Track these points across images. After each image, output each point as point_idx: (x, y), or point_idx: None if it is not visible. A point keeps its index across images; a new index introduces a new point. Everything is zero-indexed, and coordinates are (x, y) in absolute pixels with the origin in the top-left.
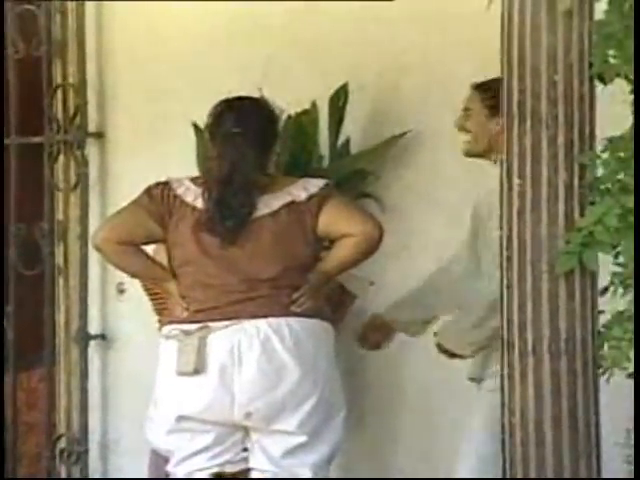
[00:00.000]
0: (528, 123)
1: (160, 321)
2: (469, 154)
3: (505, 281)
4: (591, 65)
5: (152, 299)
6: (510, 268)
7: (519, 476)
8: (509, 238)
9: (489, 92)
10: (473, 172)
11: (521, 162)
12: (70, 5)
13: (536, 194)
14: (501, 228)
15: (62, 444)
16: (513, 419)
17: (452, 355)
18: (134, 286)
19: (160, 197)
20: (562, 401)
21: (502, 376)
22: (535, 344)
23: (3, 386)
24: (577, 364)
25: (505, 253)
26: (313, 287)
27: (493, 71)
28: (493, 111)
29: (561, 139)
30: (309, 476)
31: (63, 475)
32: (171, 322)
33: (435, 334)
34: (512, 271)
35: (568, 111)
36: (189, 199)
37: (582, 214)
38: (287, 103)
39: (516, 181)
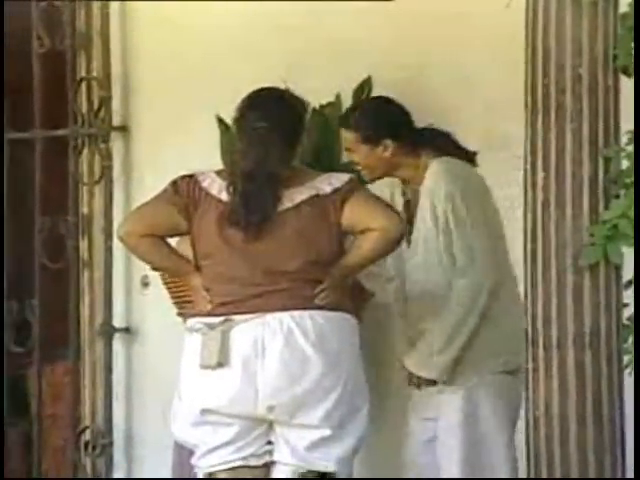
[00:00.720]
0: (552, 117)
1: (180, 314)
2: (373, 181)
3: (529, 275)
4: (616, 58)
5: (170, 291)
6: (534, 262)
7: (543, 470)
8: (533, 232)
9: (357, 126)
10: (493, 166)
11: (545, 156)
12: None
13: (560, 187)
14: (525, 221)
15: (87, 436)
16: (537, 413)
17: (426, 382)
18: (158, 279)
19: (186, 190)
20: (587, 395)
21: (526, 370)
22: (560, 338)
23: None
24: (602, 358)
25: (529, 246)
26: (336, 280)
27: (516, 66)
28: (373, 141)
29: (585, 132)
30: (333, 470)
31: (88, 467)
32: (195, 315)
33: (403, 367)
34: (536, 265)
35: (592, 104)
36: (214, 192)
37: (607, 207)
38: (311, 97)
39: (540, 175)
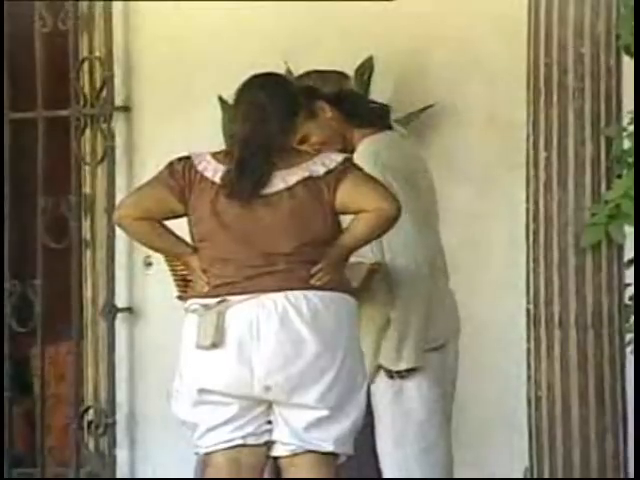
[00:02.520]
0: (555, 96)
1: (180, 297)
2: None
3: (531, 254)
4: (618, 37)
5: (173, 273)
6: (536, 242)
7: (545, 450)
8: (535, 212)
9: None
10: (499, 145)
11: (547, 136)
12: None
13: (562, 167)
14: (527, 201)
15: (90, 416)
16: (539, 392)
17: (398, 374)
18: (161, 259)
19: (182, 173)
20: (588, 374)
21: (528, 349)
22: (562, 318)
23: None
24: (604, 337)
25: (532, 226)
26: (332, 261)
27: (519, 46)
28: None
29: (588, 112)
30: (332, 449)
31: (91, 446)
32: (192, 296)
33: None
34: (538, 244)
35: (595, 84)
36: (209, 174)
37: (609, 187)
38: None
39: (542, 154)
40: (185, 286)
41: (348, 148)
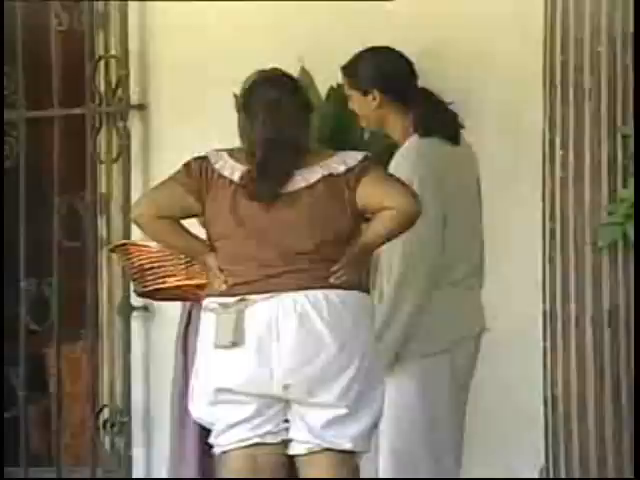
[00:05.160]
0: (571, 94)
1: (138, 293)
2: (369, 128)
3: (548, 253)
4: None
5: (129, 265)
6: (553, 240)
7: (562, 448)
8: (552, 210)
9: (351, 72)
10: (514, 144)
11: (564, 133)
12: None
13: (579, 166)
14: (543, 200)
15: (105, 415)
16: (556, 391)
17: None
18: None
19: (199, 171)
20: (605, 372)
21: (544, 348)
22: (578, 316)
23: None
24: (620, 335)
25: (548, 225)
26: (351, 260)
27: (535, 44)
28: (362, 89)
29: (604, 110)
30: (349, 447)
31: (107, 445)
32: (210, 295)
33: None
34: (555, 243)
35: (611, 82)
36: (226, 173)
37: (625, 185)
38: (330, 74)
39: (558, 153)
40: (142, 279)
41: (398, 136)
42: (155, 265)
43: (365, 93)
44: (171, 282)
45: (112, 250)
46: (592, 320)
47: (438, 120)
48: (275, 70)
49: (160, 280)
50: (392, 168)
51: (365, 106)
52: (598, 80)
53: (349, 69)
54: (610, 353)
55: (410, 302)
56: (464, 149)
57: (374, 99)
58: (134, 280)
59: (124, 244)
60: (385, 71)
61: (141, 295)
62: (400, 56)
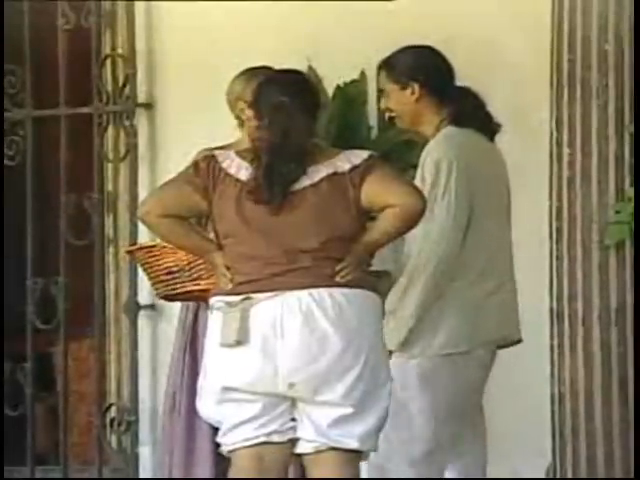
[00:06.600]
0: (578, 92)
1: (165, 297)
2: (404, 130)
3: (555, 252)
4: None
5: (149, 272)
6: (560, 239)
7: (569, 446)
8: (559, 209)
9: (392, 66)
10: (522, 142)
11: (571, 132)
12: None
13: (586, 164)
14: (550, 198)
15: (112, 413)
16: (563, 389)
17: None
18: None
19: (206, 170)
20: (612, 371)
21: (551, 346)
22: (585, 314)
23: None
24: (627, 334)
25: (555, 224)
26: (357, 258)
27: (542, 42)
28: (402, 83)
29: (611, 109)
30: (356, 447)
31: (113, 443)
32: (216, 294)
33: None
34: (562, 242)
35: (619, 80)
36: (232, 171)
37: (633, 184)
38: (336, 73)
39: (566, 151)
40: (163, 282)
41: (430, 132)
42: (185, 268)
43: (404, 87)
44: (202, 285)
45: (129, 252)
46: (599, 319)
47: (476, 115)
48: (285, 71)
49: (192, 283)
50: (423, 155)
51: (403, 100)
52: (605, 78)
53: (389, 63)
54: (617, 351)
55: (423, 282)
56: (498, 152)
57: (413, 93)
58: (159, 282)
59: (152, 246)
60: (425, 65)
61: (165, 298)
62: (439, 53)
